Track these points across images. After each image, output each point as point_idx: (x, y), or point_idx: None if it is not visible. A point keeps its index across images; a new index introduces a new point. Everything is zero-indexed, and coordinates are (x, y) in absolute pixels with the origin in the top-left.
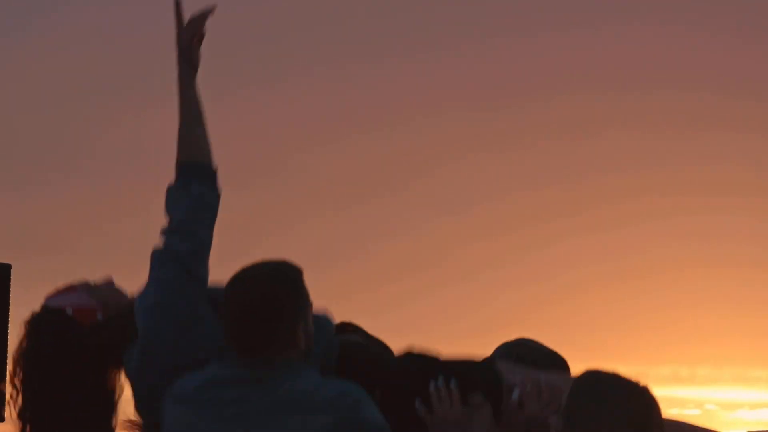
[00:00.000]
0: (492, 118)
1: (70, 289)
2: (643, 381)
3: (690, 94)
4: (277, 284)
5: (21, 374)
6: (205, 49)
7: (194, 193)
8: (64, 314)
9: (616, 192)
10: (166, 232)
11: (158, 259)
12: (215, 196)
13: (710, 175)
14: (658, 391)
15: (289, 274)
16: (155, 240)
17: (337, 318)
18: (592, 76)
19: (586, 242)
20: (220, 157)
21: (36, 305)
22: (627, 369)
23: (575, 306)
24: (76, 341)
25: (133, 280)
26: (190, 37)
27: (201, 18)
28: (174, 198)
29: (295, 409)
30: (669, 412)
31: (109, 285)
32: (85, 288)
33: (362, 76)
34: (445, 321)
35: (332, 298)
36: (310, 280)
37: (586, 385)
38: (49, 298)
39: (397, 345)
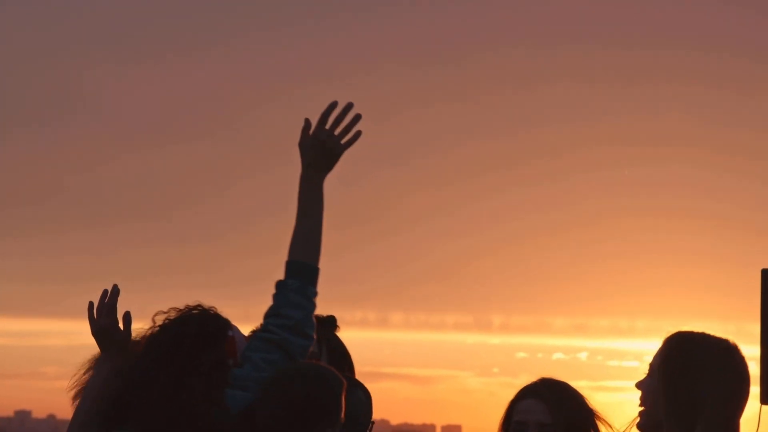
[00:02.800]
0: (433, 72)
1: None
2: (732, 339)
3: (626, 49)
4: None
5: None
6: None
7: (310, 297)
8: (227, 331)
9: (554, 144)
10: (284, 327)
11: (270, 349)
12: (315, 296)
13: (648, 126)
14: (597, 344)
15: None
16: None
17: (280, 267)
18: (532, 31)
19: (526, 193)
20: (186, 109)
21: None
22: (566, 321)
23: (515, 256)
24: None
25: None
26: (327, 138)
27: (340, 118)
28: (289, 298)
29: None
30: (608, 363)
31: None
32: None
33: (304, 35)
34: (388, 270)
35: (278, 248)
36: (258, 234)
37: (677, 346)
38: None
39: (342, 292)
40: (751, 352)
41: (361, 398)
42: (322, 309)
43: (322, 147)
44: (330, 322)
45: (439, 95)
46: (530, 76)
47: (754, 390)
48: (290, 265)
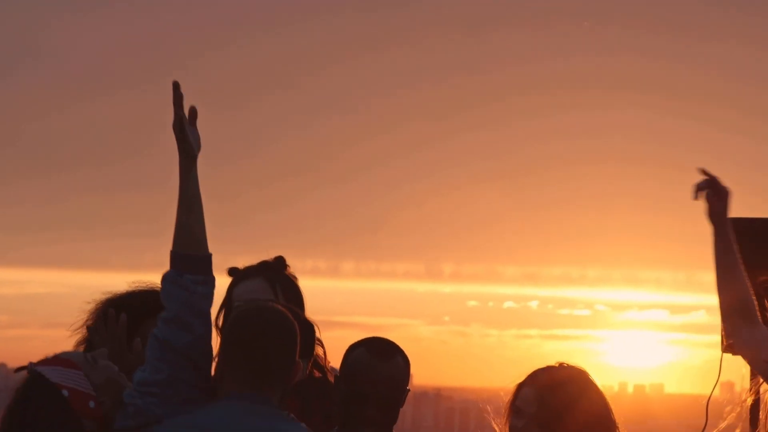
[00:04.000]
0: (378, 17)
1: (68, 365)
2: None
3: None
4: (290, 329)
5: None
6: None
7: (188, 286)
8: (60, 395)
9: (501, 89)
10: (164, 321)
11: (158, 348)
12: (209, 286)
13: (599, 69)
14: (547, 292)
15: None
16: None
17: (229, 215)
18: None
19: (476, 140)
20: (137, 57)
21: None
22: (517, 270)
23: (466, 204)
24: (69, 428)
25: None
26: (179, 123)
27: (178, 99)
28: (168, 290)
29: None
30: (559, 312)
31: (103, 361)
32: (85, 367)
33: None
34: (338, 218)
35: (225, 195)
36: (202, 178)
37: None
38: (44, 367)
39: (292, 241)
40: (701, 301)
41: (400, 364)
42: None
43: (183, 133)
44: (279, 263)
45: (384, 42)
46: (474, 21)
47: (715, 339)
48: (170, 257)
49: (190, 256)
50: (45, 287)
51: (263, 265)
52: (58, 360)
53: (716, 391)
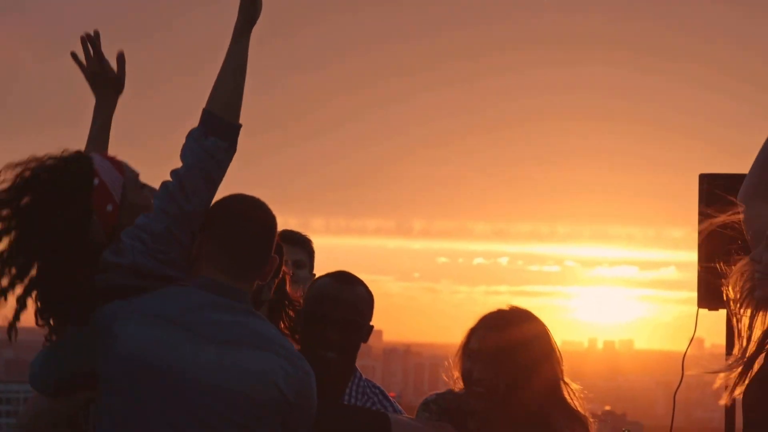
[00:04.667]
0: None
1: (118, 167)
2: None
3: None
4: (273, 220)
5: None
6: None
7: (209, 149)
8: (90, 180)
9: (473, 45)
10: (176, 175)
11: (166, 198)
12: (228, 155)
13: (571, 26)
14: (517, 249)
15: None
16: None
17: None
18: None
19: (442, 97)
20: (110, 14)
21: None
22: (486, 227)
23: (436, 161)
24: (77, 210)
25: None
26: None
27: None
28: (189, 145)
29: (267, 345)
30: (529, 268)
31: (145, 191)
32: (129, 180)
33: None
34: (308, 174)
35: None
36: (175, 139)
37: None
38: (97, 155)
39: (261, 198)
40: (670, 257)
41: (363, 292)
42: None
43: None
44: None
45: (353, 0)
46: None
47: (684, 295)
48: (202, 114)
49: (222, 120)
50: None
51: None
52: (114, 160)
53: (686, 347)
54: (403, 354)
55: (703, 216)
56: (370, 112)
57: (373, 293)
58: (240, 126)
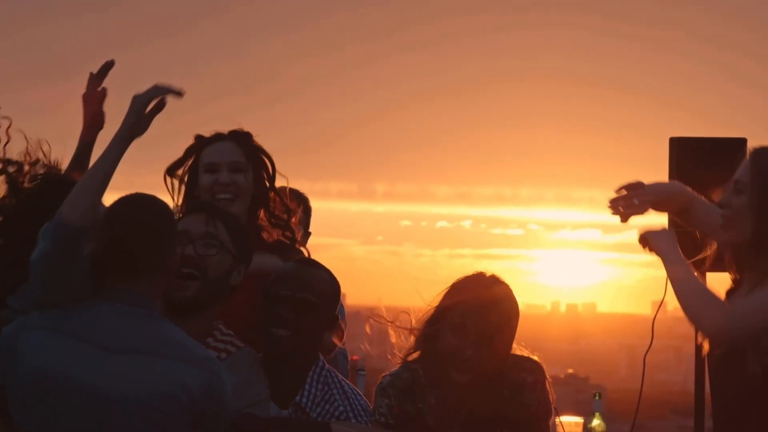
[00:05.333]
0: None
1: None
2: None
3: None
4: (161, 211)
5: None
6: None
7: (40, 251)
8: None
9: (434, 10)
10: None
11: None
12: (56, 257)
13: None
14: (480, 212)
15: (166, 207)
16: None
17: (166, 137)
18: None
19: (405, 60)
20: None
21: None
22: (449, 190)
23: (398, 124)
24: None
25: None
26: (146, 102)
27: (163, 90)
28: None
29: (170, 351)
30: (492, 232)
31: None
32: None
33: None
34: (270, 138)
35: (161, 118)
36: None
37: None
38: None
39: None
40: (634, 220)
41: (324, 276)
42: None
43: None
44: (248, 134)
45: None
46: None
47: (649, 258)
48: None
49: (56, 222)
50: None
51: (233, 131)
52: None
53: (649, 310)
54: (366, 317)
55: (673, 179)
56: (333, 76)
57: (337, 257)
58: (77, 228)
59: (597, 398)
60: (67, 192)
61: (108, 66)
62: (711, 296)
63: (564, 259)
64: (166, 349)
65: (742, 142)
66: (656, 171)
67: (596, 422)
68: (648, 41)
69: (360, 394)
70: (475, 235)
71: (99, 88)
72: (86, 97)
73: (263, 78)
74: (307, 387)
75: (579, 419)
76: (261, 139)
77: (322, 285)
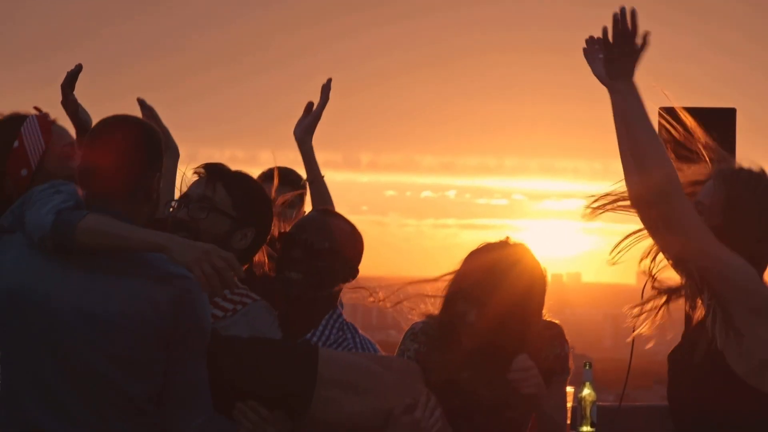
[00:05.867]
0: None
1: (46, 130)
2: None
3: None
4: (138, 134)
5: None
6: None
7: (40, 224)
8: (11, 144)
9: None
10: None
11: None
12: (46, 241)
13: None
14: (465, 182)
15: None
16: None
17: (166, 105)
18: None
19: (393, 31)
20: None
21: None
22: (434, 160)
23: (383, 94)
24: None
25: None
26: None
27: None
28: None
29: (141, 269)
30: (476, 202)
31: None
32: (55, 146)
33: None
34: (256, 109)
35: (146, 89)
36: (164, 65)
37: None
38: (35, 116)
39: (209, 132)
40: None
41: (342, 225)
42: (189, 149)
43: None
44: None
45: None
46: None
47: (634, 228)
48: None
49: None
50: None
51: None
52: (46, 126)
53: (634, 280)
54: (351, 288)
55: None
56: (318, 47)
57: None
58: (77, 249)
59: (587, 368)
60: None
61: (75, 72)
62: (665, 153)
63: (548, 229)
64: (135, 267)
65: (731, 112)
66: None
67: (587, 392)
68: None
69: (376, 347)
70: (459, 204)
71: (70, 98)
72: (64, 105)
73: (249, 49)
74: (320, 329)
75: (569, 388)
76: (246, 112)
77: (340, 233)
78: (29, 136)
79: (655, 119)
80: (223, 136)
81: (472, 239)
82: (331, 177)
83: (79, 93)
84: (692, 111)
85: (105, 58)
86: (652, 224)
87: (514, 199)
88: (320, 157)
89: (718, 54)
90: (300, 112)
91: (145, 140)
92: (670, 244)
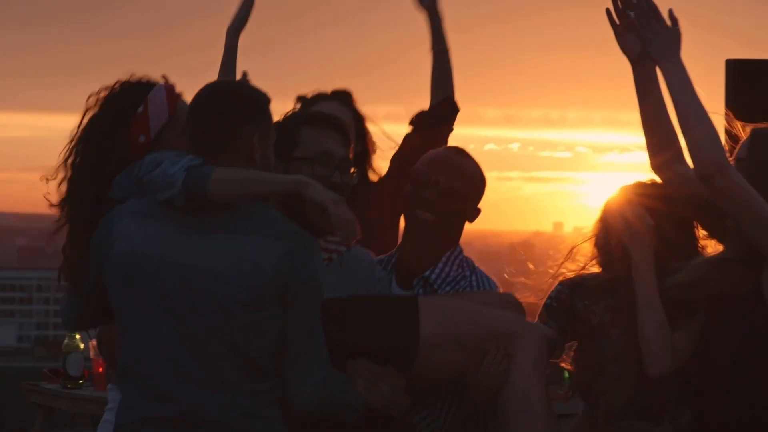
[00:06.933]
0: None
1: (173, 105)
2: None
3: None
4: (235, 95)
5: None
6: None
7: (164, 174)
8: (135, 108)
9: None
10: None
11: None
12: (176, 197)
13: None
14: (528, 135)
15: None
16: None
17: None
18: None
19: None
20: None
21: None
22: (497, 112)
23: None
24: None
25: None
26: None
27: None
28: (176, 165)
29: (254, 227)
30: (540, 154)
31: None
32: (175, 120)
33: None
34: (319, 63)
35: (214, 44)
36: (199, 29)
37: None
38: (162, 85)
39: (275, 85)
40: (682, 143)
41: (473, 166)
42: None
43: None
44: (349, 95)
45: None
46: None
47: None
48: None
49: (196, 189)
50: (25, 131)
51: (336, 91)
52: (173, 98)
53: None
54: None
55: (729, 103)
56: (381, 3)
57: None
58: (211, 202)
59: None
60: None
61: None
62: (714, 128)
63: (612, 182)
64: (250, 226)
65: None
66: (712, 94)
67: None
68: None
69: (493, 282)
70: (523, 157)
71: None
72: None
73: (315, 2)
74: (440, 265)
75: None
76: (313, 65)
77: (471, 175)
78: (155, 104)
79: (721, 71)
80: (284, 90)
81: (536, 192)
82: (396, 130)
83: (131, 47)
84: (760, 63)
85: (173, 9)
86: (704, 202)
87: (578, 152)
88: (383, 110)
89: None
90: (361, 66)
91: (238, 101)
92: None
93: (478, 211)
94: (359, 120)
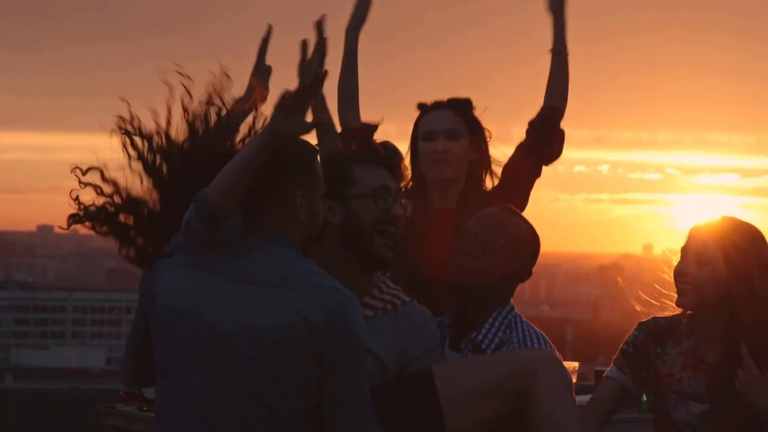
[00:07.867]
0: None
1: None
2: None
3: None
4: (303, 150)
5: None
6: None
7: (187, 216)
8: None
9: None
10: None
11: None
12: (199, 232)
13: None
14: (618, 156)
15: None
16: None
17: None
18: None
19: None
20: None
21: None
22: (587, 134)
23: (536, 68)
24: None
25: None
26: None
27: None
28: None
29: (291, 281)
30: (630, 176)
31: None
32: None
33: None
34: (420, 79)
35: (284, 64)
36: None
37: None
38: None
39: (383, 100)
40: None
41: (519, 223)
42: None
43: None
44: (468, 102)
45: None
46: None
47: None
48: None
49: (200, 199)
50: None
51: (452, 99)
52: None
53: None
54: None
55: None
56: (482, 22)
57: None
58: (219, 210)
59: None
60: (219, 166)
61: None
62: None
63: (702, 204)
64: (288, 280)
65: None
66: None
67: None
68: None
69: (544, 339)
70: (612, 179)
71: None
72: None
73: (411, 21)
74: (486, 326)
75: None
76: (407, 84)
77: (516, 231)
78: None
79: None
80: (378, 108)
81: (626, 214)
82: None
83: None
84: None
85: (244, 31)
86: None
87: (668, 174)
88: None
89: None
90: (454, 87)
91: (290, 158)
92: None
93: (528, 272)
94: (474, 128)
